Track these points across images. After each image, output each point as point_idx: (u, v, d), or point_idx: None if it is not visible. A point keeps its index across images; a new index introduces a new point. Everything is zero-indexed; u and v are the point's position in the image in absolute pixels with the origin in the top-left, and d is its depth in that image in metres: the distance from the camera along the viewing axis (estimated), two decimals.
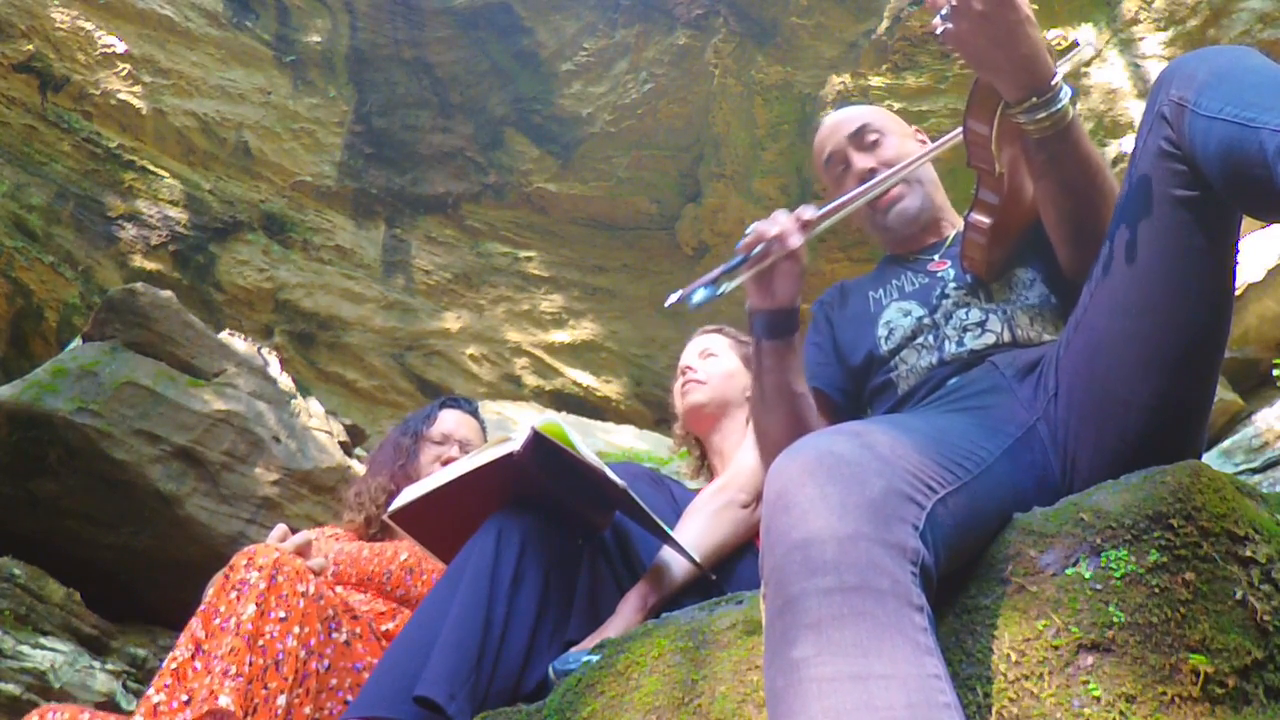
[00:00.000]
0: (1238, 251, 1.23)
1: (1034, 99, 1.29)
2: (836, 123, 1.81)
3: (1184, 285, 1.19)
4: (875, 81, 6.41)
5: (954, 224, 1.79)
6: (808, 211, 1.45)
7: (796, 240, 1.42)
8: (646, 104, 7.37)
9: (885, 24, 6.39)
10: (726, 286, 1.41)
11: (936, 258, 1.71)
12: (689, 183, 7.59)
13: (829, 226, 1.49)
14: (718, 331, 2.27)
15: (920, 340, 1.57)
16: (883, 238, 1.78)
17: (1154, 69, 5.57)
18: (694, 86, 7.21)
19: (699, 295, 1.39)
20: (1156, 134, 1.18)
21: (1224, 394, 4.19)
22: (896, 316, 1.63)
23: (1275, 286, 4.17)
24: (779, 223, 1.43)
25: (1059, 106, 1.29)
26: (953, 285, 1.61)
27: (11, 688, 3.58)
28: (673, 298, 1.41)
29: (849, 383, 1.68)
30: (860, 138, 1.76)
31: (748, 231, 1.44)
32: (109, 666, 3.93)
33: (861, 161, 1.74)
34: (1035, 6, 1.31)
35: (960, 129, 1.45)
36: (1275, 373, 4.02)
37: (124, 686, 3.87)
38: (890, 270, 1.76)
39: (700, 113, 7.27)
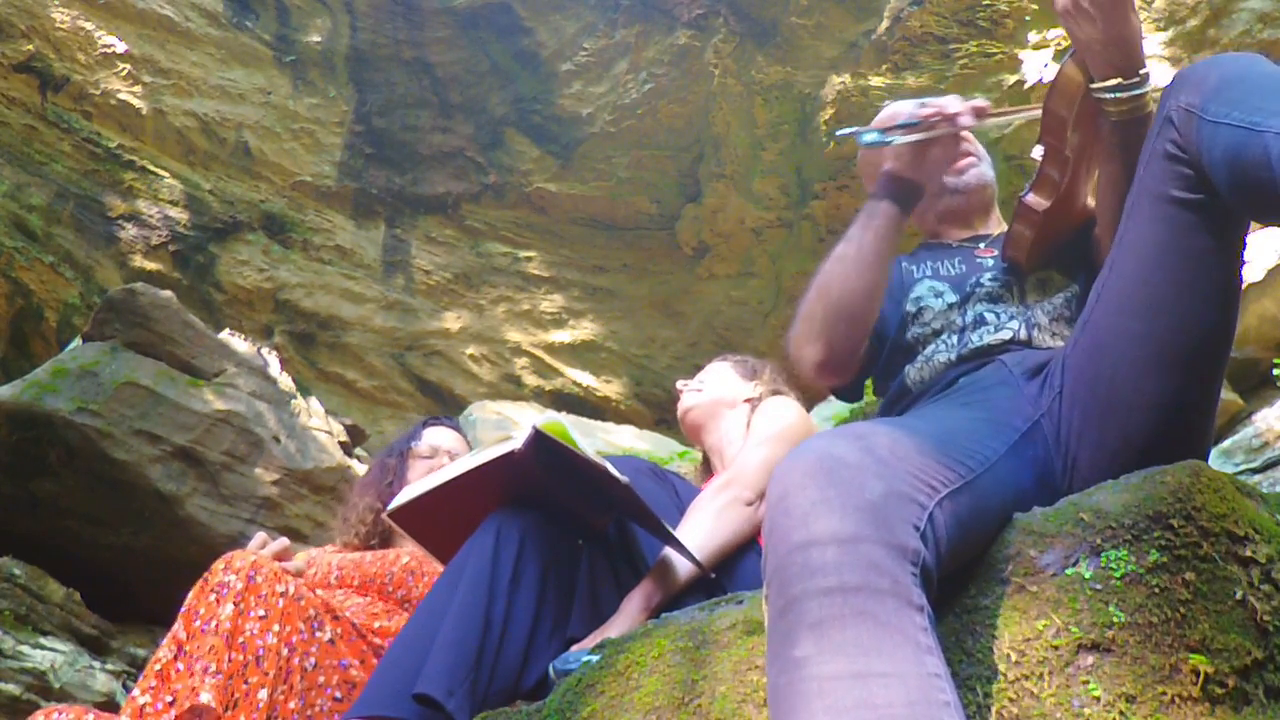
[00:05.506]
0: (1244, 254, 1.24)
1: (1120, 79, 1.34)
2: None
3: (1190, 287, 1.20)
4: (875, 81, 6.40)
5: (1000, 223, 1.82)
6: (983, 101, 1.53)
7: (968, 120, 1.49)
8: (646, 104, 7.36)
9: (885, 24, 6.37)
10: (896, 139, 1.49)
11: (983, 245, 1.74)
12: (689, 183, 7.59)
13: (996, 124, 1.59)
14: (721, 359, 2.34)
15: (945, 338, 1.59)
16: (939, 209, 1.80)
17: (1154, 69, 5.55)
18: (694, 86, 7.20)
19: (870, 136, 1.48)
20: (1164, 137, 1.20)
21: (1224, 394, 4.17)
22: (928, 295, 1.65)
23: (1275, 287, 4.16)
24: (956, 103, 1.50)
25: (1142, 92, 1.35)
26: (989, 276, 1.63)
27: (11, 688, 3.58)
28: (845, 130, 1.51)
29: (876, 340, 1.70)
30: None
31: (925, 103, 1.51)
32: (109, 666, 3.93)
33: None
34: (1036, 6, 1.34)
35: (1030, 108, 1.53)
36: (1275, 373, 4.02)
37: (124, 686, 3.86)
38: (929, 252, 1.77)
39: (700, 113, 7.27)
